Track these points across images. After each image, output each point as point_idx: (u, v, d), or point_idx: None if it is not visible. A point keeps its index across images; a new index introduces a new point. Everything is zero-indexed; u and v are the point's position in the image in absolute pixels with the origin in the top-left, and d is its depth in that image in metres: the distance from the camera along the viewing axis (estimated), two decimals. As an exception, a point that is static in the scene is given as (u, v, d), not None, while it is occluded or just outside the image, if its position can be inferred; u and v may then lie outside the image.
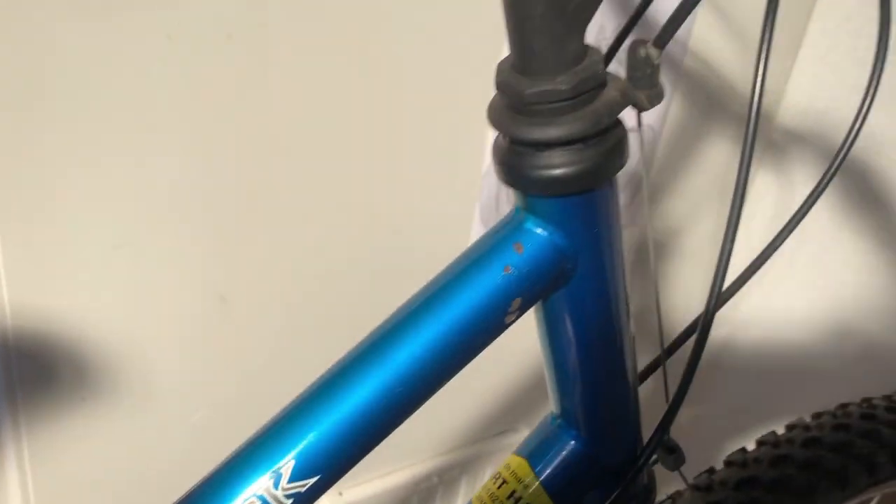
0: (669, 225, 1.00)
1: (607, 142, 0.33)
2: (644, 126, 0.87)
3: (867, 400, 0.64)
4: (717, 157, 0.96)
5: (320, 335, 0.74)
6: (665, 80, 0.86)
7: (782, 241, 0.47)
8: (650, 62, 0.35)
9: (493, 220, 0.77)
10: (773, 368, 1.29)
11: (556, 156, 0.33)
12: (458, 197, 0.77)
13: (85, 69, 0.53)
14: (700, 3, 0.36)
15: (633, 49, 0.35)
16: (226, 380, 0.73)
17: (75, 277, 0.62)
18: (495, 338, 0.36)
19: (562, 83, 0.31)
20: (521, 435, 0.78)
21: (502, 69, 0.33)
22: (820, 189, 0.44)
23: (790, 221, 0.43)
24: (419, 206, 0.75)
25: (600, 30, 0.74)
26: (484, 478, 1.04)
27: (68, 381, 0.66)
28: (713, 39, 0.85)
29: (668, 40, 0.36)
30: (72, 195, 0.58)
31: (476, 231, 0.80)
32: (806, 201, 0.44)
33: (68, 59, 0.52)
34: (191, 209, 0.63)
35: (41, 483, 0.70)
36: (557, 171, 0.33)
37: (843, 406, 0.63)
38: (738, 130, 0.95)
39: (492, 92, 0.35)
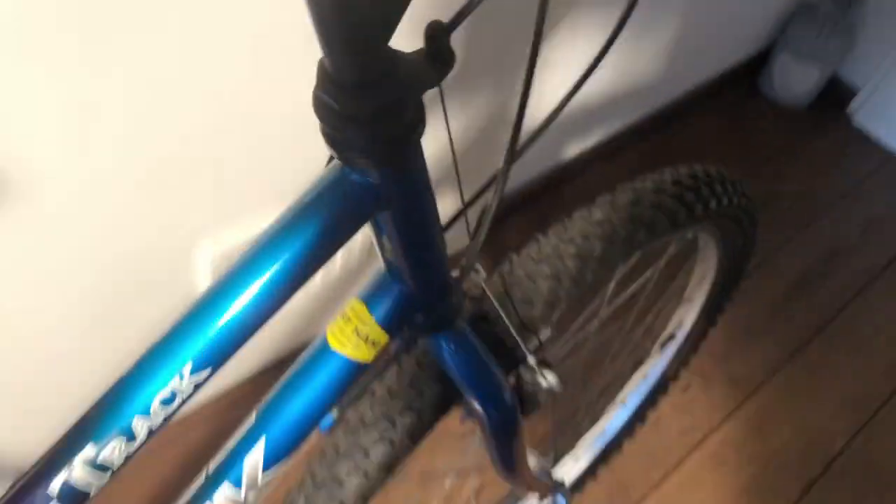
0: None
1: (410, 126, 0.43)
2: None
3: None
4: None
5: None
6: None
7: (570, 98, 0.59)
8: (442, 42, 0.43)
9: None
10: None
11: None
12: None
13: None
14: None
15: (427, 30, 0.43)
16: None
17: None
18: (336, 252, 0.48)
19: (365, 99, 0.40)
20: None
21: (319, 74, 0.40)
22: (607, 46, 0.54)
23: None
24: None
25: None
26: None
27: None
28: None
29: (456, 27, 0.44)
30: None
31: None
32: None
33: None
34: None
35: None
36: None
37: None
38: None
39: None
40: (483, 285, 0.64)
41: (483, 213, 0.58)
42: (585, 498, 1.39)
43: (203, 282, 1.10)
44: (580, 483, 1.30)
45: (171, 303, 1.10)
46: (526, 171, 1.72)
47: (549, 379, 0.69)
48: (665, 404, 1.51)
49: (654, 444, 1.51)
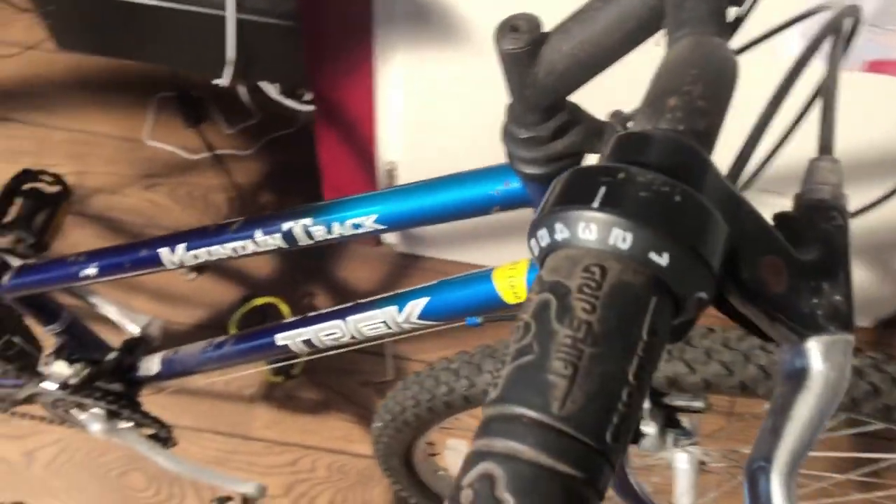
0: None
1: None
2: None
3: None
4: None
5: None
6: None
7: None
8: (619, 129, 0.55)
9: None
10: None
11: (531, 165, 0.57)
12: None
13: None
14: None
15: (611, 116, 0.55)
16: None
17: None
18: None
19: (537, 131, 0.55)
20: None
21: (507, 114, 0.56)
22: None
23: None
24: None
25: None
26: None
27: (438, 33, 1.03)
28: None
29: (626, 122, 0.55)
30: None
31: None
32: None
33: None
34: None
35: (411, 90, 1.13)
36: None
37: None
38: None
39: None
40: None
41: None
42: None
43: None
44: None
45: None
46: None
47: (647, 430, 0.77)
48: None
49: None
